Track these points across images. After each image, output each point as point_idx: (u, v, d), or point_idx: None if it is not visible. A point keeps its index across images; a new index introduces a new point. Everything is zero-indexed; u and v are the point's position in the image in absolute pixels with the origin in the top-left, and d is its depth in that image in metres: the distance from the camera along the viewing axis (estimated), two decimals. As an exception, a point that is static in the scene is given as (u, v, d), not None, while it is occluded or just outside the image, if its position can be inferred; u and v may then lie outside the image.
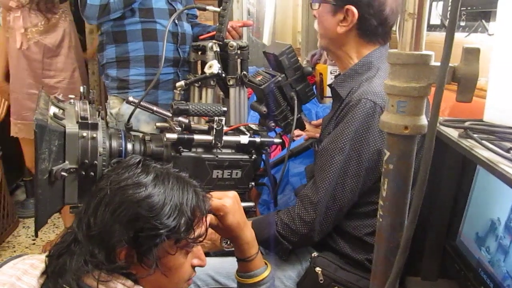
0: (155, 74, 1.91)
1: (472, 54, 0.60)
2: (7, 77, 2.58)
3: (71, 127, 1.07)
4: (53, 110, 1.11)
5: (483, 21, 1.52)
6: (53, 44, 2.41)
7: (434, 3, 1.77)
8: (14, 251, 2.68)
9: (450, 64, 0.58)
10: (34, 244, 2.78)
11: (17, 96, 2.47)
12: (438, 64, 0.58)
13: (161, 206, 0.83)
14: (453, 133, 1.11)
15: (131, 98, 1.33)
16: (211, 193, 1.03)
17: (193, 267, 0.95)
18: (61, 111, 1.13)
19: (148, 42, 1.91)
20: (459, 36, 1.62)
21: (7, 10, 2.39)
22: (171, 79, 2.00)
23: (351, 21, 1.26)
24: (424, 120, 0.64)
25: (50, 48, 2.41)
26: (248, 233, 1.07)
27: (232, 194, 1.08)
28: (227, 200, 1.04)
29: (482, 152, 0.95)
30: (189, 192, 0.89)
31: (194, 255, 0.95)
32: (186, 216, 0.86)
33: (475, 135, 1.02)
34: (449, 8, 1.68)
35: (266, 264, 1.10)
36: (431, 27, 1.81)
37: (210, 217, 1.04)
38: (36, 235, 2.86)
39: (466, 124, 1.11)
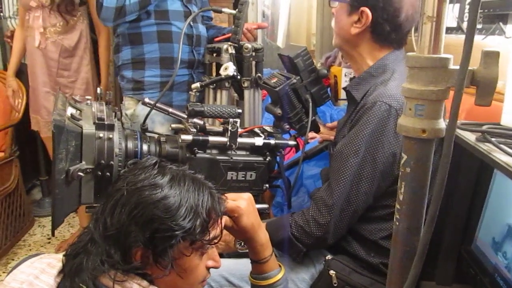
0: (170, 76, 1.92)
1: (491, 57, 0.60)
2: (18, 74, 2.68)
3: (88, 128, 1.08)
4: (70, 111, 1.12)
5: (501, 23, 1.51)
6: (70, 45, 2.47)
7: (450, 6, 1.75)
8: (30, 250, 2.71)
9: (469, 68, 0.58)
10: (49, 243, 2.81)
11: (36, 92, 2.54)
12: (457, 67, 0.57)
13: (177, 207, 0.84)
14: (470, 137, 1.10)
15: (147, 100, 1.34)
16: (226, 194, 1.03)
17: (208, 268, 0.95)
18: (78, 112, 1.14)
19: (163, 44, 1.93)
20: (476, 38, 1.60)
21: (26, 10, 2.46)
22: (186, 81, 2.01)
23: (364, 23, 1.26)
24: (442, 124, 0.63)
25: (66, 48, 2.46)
26: (262, 235, 1.07)
27: (247, 196, 1.08)
28: (242, 202, 1.04)
29: (499, 156, 0.94)
30: (204, 193, 0.89)
31: (209, 256, 0.95)
32: (201, 217, 0.86)
33: (492, 139, 1.01)
34: (467, 11, 1.66)
35: (280, 266, 1.10)
36: (447, 30, 1.79)
37: (224, 219, 1.04)
38: (53, 234, 2.89)
39: (484, 127, 1.10)
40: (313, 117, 1.42)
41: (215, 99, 1.89)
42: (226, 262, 1.35)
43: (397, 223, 0.68)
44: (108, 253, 0.83)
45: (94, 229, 0.86)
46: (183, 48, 1.92)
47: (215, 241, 0.91)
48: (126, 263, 0.83)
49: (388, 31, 1.26)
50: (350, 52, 1.36)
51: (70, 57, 2.50)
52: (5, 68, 2.99)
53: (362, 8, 1.25)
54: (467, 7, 1.67)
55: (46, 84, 2.49)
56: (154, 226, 0.82)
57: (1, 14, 3.03)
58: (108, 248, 0.83)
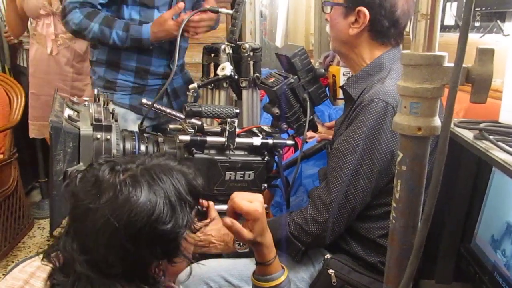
0: (143, 84, 1.88)
1: (486, 54, 0.60)
2: (17, 76, 2.75)
3: (86, 129, 1.08)
4: (68, 112, 1.12)
5: (498, 21, 1.51)
6: (82, 50, 2.53)
7: (448, 4, 1.75)
8: (29, 252, 2.71)
9: (464, 65, 0.58)
10: (49, 244, 2.80)
11: (46, 99, 2.56)
12: (452, 65, 0.57)
13: (173, 212, 0.79)
14: (468, 135, 1.10)
15: (144, 100, 1.34)
16: (239, 193, 1.00)
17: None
18: (75, 113, 1.14)
19: (142, 55, 1.86)
20: (474, 36, 1.61)
21: (34, 18, 2.51)
22: (157, 89, 1.94)
23: (362, 22, 1.26)
24: (437, 121, 0.63)
25: (79, 53, 2.53)
26: (269, 237, 1.04)
27: (261, 198, 1.02)
28: (258, 205, 1.00)
29: (497, 154, 0.94)
30: (178, 177, 0.83)
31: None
32: (189, 203, 0.82)
33: (490, 137, 1.01)
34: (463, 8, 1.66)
35: (283, 267, 1.09)
36: (445, 28, 1.79)
37: (229, 220, 1.00)
38: (51, 236, 2.89)
39: (482, 125, 1.10)
40: (311, 117, 1.42)
41: (213, 99, 1.88)
42: (225, 262, 1.36)
43: (394, 221, 0.68)
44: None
45: (86, 271, 0.76)
46: (159, 62, 1.88)
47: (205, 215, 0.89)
48: (149, 284, 0.79)
49: (387, 26, 1.26)
50: (349, 54, 1.36)
51: (82, 61, 2.55)
52: (3, 70, 3.00)
53: (359, 8, 1.25)
54: (465, 5, 1.66)
55: (63, 90, 2.52)
56: (159, 241, 0.78)
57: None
58: (120, 282, 0.77)
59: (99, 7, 1.76)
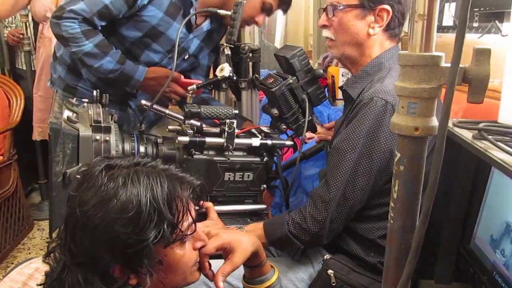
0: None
1: (483, 54, 0.60)
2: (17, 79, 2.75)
3: (85, 130, 1.09)
4: (67, 113, 1.13)
5: (496, 22, 1.51)
6: None
7: (446, 4, 1.75)
8: (29, 253, 2.71)
9: (461, 65, 0.58)
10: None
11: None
12: (449, 65, 0.57)
13: (138, 217, 0.77)
14: (467, 135, 1.10)
15: (143, 101, 1.34)
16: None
17: (197, 249, 0.91)
18: (74, 114, 1.14)
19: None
20: (472, 37, 1.61)
21: (41, 22, 2.54)
22: (118, 100, 1.83)
23: (385, 20, 1.27)
24: (435, 121, 0.63)
25: None
26: (256, 242, 1.01)
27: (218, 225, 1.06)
28: (218, 232, 0.98)
29: (497, 154, 0.94)
30: (163, 185, 0.81)
31: (194, 239, 0.89)
32: (167, 217, 0.80)
33: (489, 137, 1.01)
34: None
35: (272, 267, 1.08)
36: (444, 29, 1.79)
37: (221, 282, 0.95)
38: (51, 237, 2.89)
39: (481, 125, 1.10)
40: (310, 117, 1.42)
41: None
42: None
43: (392, 221, 0.68)
44: (85, 280, 0.78)
45: (64, 257, 0.80)
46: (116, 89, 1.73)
47: (192, 228, 0.85)
48: (109, 284, 0.79)
49: (400, 22, 1.29)
50: (358, 57, 1.34)
51: None
52: (3, 72, 3.01)
53: (381, 7, 1.25)
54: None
55: None
56: (121, 243, 0.77)
57: None
58: (84, 275, 0.78)
59: (99, 28, 1.60)
